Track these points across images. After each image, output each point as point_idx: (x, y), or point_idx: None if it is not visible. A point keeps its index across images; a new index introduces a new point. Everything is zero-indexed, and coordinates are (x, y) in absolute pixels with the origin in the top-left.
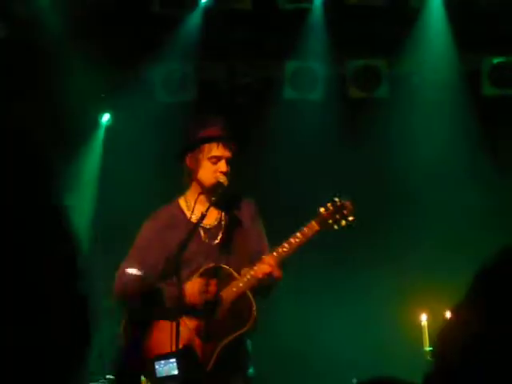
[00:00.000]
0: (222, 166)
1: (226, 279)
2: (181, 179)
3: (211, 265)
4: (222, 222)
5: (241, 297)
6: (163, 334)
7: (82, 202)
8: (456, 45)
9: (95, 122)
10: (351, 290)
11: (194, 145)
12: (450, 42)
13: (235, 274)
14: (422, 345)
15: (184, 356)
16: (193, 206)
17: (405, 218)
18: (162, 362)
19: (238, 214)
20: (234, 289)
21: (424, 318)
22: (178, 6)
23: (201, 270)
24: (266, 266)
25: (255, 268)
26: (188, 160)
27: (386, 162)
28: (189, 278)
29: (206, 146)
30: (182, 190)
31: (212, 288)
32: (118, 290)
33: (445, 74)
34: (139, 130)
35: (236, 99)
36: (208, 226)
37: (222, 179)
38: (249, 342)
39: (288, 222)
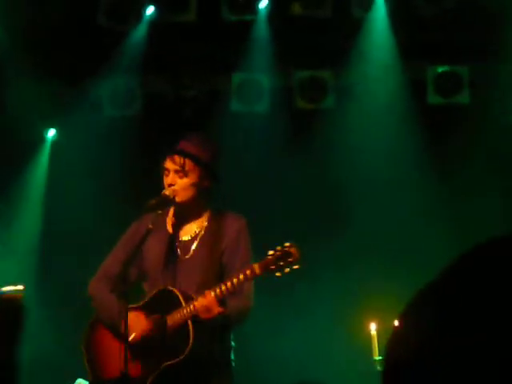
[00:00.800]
0: (169, 177)
1: (173, 303)
2: (126, 194)
3: (161, 287)
4: (198, 237)
5: (182, 326)
6: (108, 344)
7: (27, 216)
8: (400, 54)
9: (41, 137)
10: (301, 299)
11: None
12: (395, 51)
13: (181, 300)
14: (371, 354)
15: None
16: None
17: (353, 226)
18: None
19: (219, 230)
20: (178, 316)
21: (373, 328)
22: (123, 18)
23: (153, 292)
24: (205, 301)
25: (196, 301)
26: (160, 173)
27: (334, 172)
28: (149, 290)
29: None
30: (129, 205)
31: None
32: (90, 290)
33: (390, 83)
34: (85, 145)
35: (182, 112)
36: (183, 240)
37: (167, 191)
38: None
39: None
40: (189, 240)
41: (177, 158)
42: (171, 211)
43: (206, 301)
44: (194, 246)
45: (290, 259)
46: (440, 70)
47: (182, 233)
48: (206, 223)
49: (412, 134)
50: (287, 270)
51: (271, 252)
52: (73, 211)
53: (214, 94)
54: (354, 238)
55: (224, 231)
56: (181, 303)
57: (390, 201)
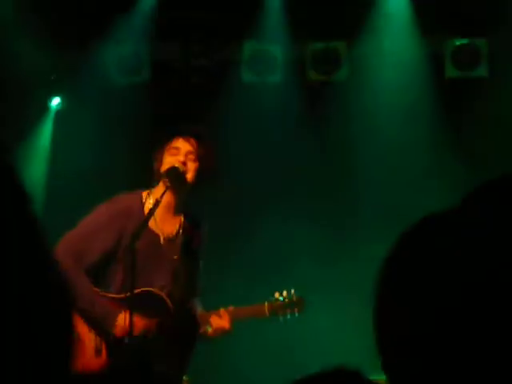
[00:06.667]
0: (180, 156)
1: (158, 305)
2: (132, 164)
3: (145, 289)
4: (180, 236)
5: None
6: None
7: (30, 186)
8: (418, 26)
9: (45, 106)
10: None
11: (161, 141)
12: (412, 23)
13: (168, 303)
14: None
15: None
16: (152, 199)
17: (368, 201)
18: None
19: (194, 233)
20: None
21: None
22: None
23: (137, 290)
24: (224, 322)
25: (214, 321)
26: (156, 154)
27: (346, 144)
28: (123, 279)
29: (171, 140)
30: (134, 175)
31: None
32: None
33: (406, 55)
34: (91, 113)
35: (191, 80)
36: (168, 237)
37: (178, 164)
38: None
39: (246, 210)
40: (173, 237)
41: (193, 140)
42: (146, 192)
43: (225, 322)
44: (179, 247)
45: (296, 309)
46: (458, 42)
47: (166, 226)
48: (183, 221)
49: (428, 107)
50: (289, 316)
51: (277, 294)
52: (76, 183)
53: (226, 63)
54: (370, 214)
55: (195, 238)
56: (167, 304)
57: (405, 173)
